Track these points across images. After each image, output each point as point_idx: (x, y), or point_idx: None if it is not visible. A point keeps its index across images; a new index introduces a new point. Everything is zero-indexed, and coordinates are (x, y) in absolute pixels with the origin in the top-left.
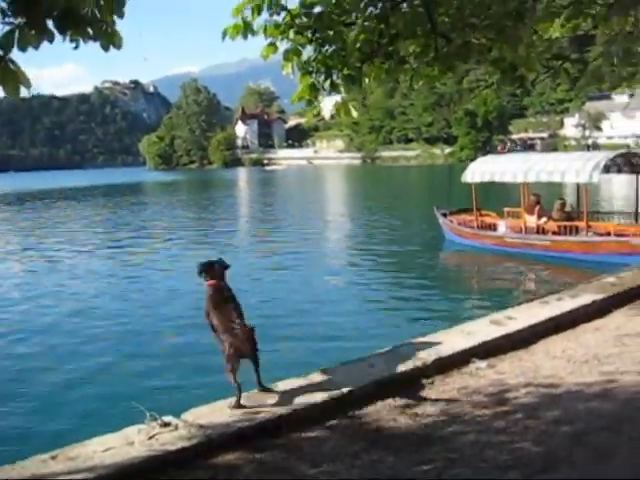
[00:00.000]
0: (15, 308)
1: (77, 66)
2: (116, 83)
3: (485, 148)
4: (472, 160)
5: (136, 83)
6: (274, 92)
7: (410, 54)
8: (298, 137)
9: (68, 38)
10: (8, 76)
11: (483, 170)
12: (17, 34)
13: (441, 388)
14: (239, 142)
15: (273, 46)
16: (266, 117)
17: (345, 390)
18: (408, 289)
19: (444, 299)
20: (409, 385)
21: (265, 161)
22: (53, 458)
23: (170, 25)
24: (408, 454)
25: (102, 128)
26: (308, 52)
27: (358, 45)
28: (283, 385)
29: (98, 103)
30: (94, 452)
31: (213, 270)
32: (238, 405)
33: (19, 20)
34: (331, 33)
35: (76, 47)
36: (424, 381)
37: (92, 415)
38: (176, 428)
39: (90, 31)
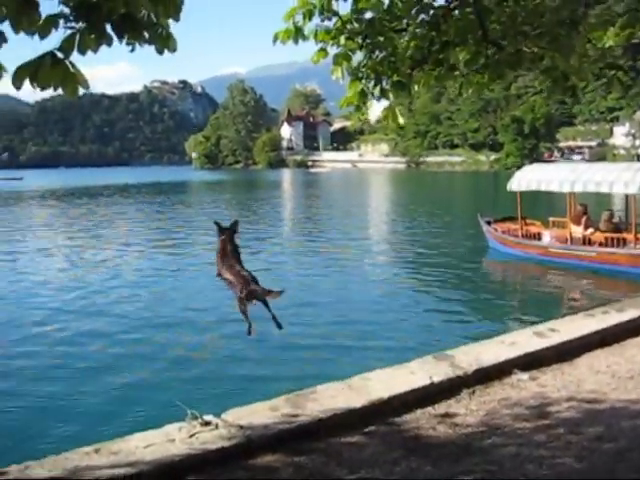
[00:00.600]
0: (58, 302)
1: (130, 65)
2: (165, 83)
3: (532, 155)
4: (518, 168)
5: (184, 83)
6: (320, 94)
7: (460, 61)
8: (343, 140)
9: (125, 41)
10: (68, 78)
11: (529, 178)
12: (77, 38)
13: (482, 398)
14: (284, 143)
15: (324, 51)
16: (312, 119)
17: (385, 397)
18: (450, 297)
19: (487, 308)
20: (449, 394)
21: (309, 163)
22: (96, 451)
23: (219, 25)
24: (447, 464)
25: (150, 127)
26: (358, 57)
27: (409, 52)
28: (323, 389)
29: (147, 102)
30: (136, 447)
31: (223, 229)
32: (249, 332)
33: (80, 25)
34: (382, 39)
35: (132, 50)
36: (464, 391)
37: (134, 411)
38: (216, 427)
39: (146, 35)
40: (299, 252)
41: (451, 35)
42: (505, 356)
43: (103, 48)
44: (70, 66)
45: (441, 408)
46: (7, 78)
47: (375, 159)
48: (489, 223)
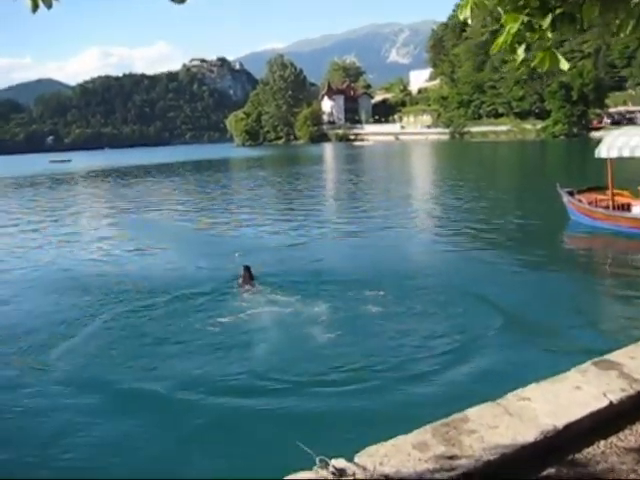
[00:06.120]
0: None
1: (168, 44)
2: (203, 61)
3: (580, 122)
4: (566, 135)
5: (223, 60)
6: (360, 67)
7: None
8: (385, 112)
9: None
10: None
11: (621, 144)
12: None
13: None
14: (325, 117)
15: None
16: (352, 92)
17: (559, 425)
18: (553, 279)
19: (603, 291)
20: (633, 417)
21: (351, 136)
22: None
23: (254, 1)
24: None
25: (190, 105)
26: None
27: None
28: (476, 415)
29: (186, 81)
30: None
31: None
32: None
33: None
34: None
35: None
36: None
37: (237, 454)
38: (354, 477)
39: None
40: (360, 234)
41: None
42: None
43: (141, 27)
44: None
45: (630, 439)
46: (53, 62)
47: (418, 131)
48: (571, 194)
